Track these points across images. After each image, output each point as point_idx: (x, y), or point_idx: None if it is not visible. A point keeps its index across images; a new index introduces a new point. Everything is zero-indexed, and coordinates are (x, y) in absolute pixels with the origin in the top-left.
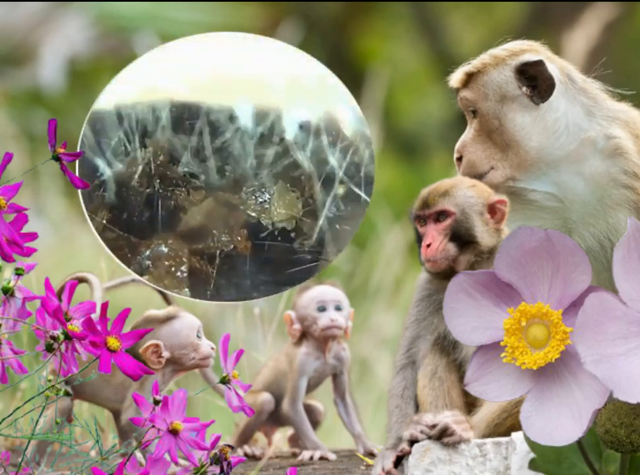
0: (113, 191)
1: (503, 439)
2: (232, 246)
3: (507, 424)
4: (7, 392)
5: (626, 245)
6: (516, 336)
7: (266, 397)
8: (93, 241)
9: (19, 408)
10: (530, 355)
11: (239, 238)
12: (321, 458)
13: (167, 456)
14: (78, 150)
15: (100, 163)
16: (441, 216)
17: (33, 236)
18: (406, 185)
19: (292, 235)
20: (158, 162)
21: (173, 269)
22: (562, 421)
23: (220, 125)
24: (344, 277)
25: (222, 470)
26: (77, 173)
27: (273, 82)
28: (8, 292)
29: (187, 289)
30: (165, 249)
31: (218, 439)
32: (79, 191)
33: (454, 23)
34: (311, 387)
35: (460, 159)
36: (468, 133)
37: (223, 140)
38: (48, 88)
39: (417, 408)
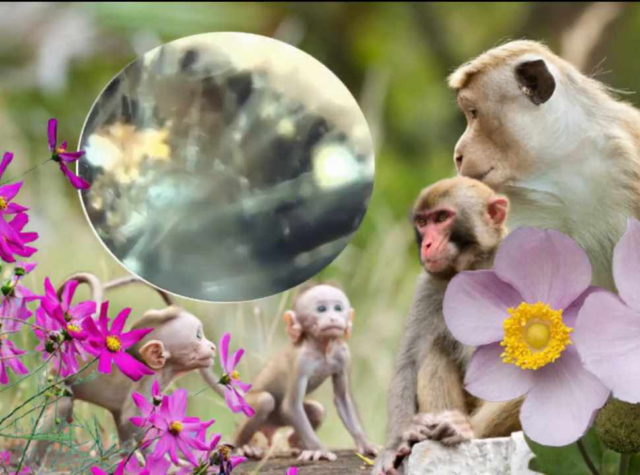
0: None
1: (503, 439)
2: None
3: (507, 424)
4: (7, 392)
5: (626, 245)
6: (516, 336)
7: (266, 397)
8: (93, 241)
9: (19, 408)
10: (530, 355)
11: None
12: (321, 458)
13: (167, 456)
14: (78, 150)
15: None
16: (441, 216)
17: (33, 236)
18: (406, 185)
19: None
20: None
21: None
22: (562, 421)
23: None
24: (344, 277)
25: (222, 470)
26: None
27: None
28: (8, 292)
29: None
30: None
31: (218, 439)
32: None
33: (454, 23)
34: (311, 387)
35: (460, 159)
36: (468, 133)
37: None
38: (48, 88)
39: (417, 408)
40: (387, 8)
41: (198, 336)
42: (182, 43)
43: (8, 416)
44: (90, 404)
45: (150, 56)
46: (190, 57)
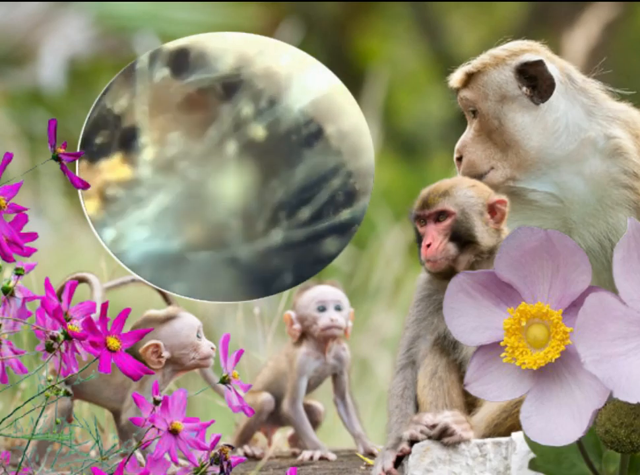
0: None
1: (503, 439)
2: None
3: (507, 424)
4: (7, 392)
5: (626, 245)
6: (516, 336)
7: (266, 397)
8: (93, 241)
9: (19, 408)
10: (530, 355)
11: None
12: (321, 458)
13: (167, 456)
14: (78, 150)
15: None
16: (441, 216)
17: (33, 236)
18: (406, 185)
19: None
20: None
21: None
22: (562, 421)
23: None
24: (344, 277)
25: (222, 470)
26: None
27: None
28: (8, 292)
29: None
30: None
31: (218, 439)
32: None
33: (454, 23)
34: (311, 387)
35: (460, 159)
36: (468, 133)
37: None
38: (48, 88)
39: (417, 408)
40: (387, 8)
41: (198, 336)
42: (173, 47)
43: (8, 416)
44: (90, 404)
45: (142, 63)
46: (180, 64)
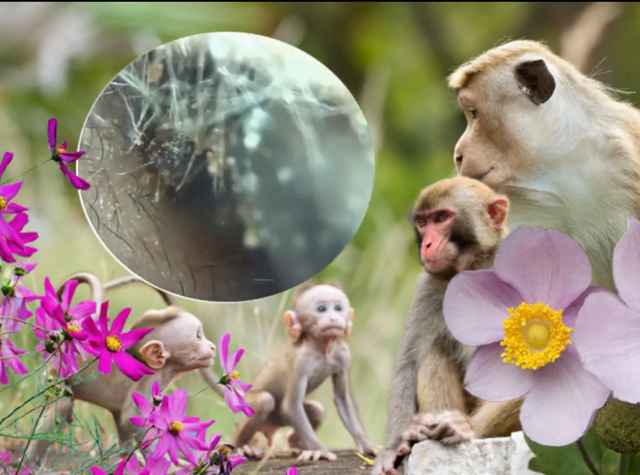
0: None
1: (503, 439)
2: None
3: (507, 424)
4: (7, 392)
5: (626, 245)
6: (516, 336)
7: (266, 397)
8: (93, 241)
9: (19, 408)
10: (530, 355)
11: None
12: (321, 458)
13: (167, 456)
14: (78, 150)
15: None
16: (441, 216)
17: (33, 236)
18: (406, 185)
19: None
20: None
21: None
22: (562, 421)
23: None
24: (344, 277)
25: (222, 470)
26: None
27: None
28: (8, 292)
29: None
30: None
31: (218, 439)
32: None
33: (454, 23)
34: (311, 387)
35: (460, 159)
36: (468, 133)
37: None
38: (48, 88)
39: (417, 408)
40: (387, 8)
41: (198, 336)
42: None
43: (8, 416)
44: (90, 404)
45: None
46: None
